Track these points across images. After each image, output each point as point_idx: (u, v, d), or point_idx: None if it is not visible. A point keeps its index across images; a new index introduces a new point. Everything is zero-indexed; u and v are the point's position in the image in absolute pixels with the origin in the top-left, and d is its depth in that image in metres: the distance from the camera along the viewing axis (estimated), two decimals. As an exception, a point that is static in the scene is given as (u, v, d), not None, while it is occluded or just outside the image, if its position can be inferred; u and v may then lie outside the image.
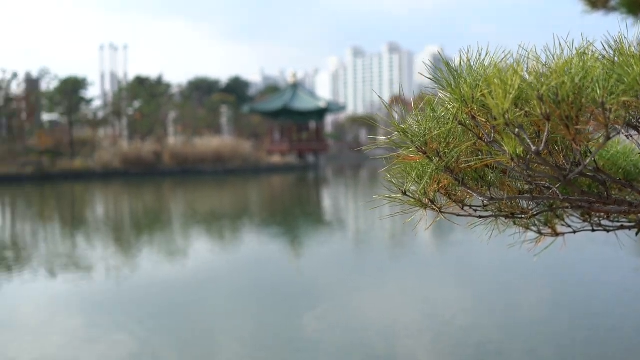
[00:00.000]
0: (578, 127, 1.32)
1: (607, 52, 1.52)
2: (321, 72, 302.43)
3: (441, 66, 1.55)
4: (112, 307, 8.64)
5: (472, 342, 6.75)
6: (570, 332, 7.09)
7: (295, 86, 68.16)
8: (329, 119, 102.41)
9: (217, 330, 7.58)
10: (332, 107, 68.42)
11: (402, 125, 1.60)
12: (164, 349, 6.88)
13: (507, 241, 2.16)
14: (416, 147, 1.55)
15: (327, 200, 28.49)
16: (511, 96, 1.31)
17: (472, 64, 1.54)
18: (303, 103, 64.50)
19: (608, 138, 1.33)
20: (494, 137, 1.44)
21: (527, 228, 2.19)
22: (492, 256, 11.54)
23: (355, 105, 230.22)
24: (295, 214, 21.97)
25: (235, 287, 9.91)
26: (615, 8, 5.45)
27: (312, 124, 67.18)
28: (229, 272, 11.31)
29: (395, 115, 1.63)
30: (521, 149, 1.39)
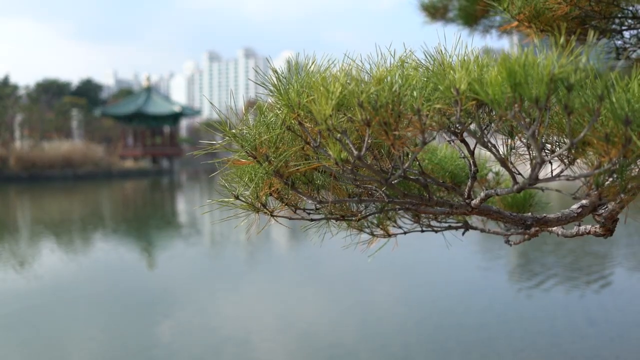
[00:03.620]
0: (396, 132, 1.38)
1: (429, 61, 1.61)
2: (176, 76, 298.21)
3: (281, 73, 1.58)
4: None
5: (325, 342, 6.87)
6: (418, 329, 7.36)
7: (149, 90, 66.86)
8: (184, 124, 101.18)
9: (66, 341, 7.32)
10: (186, 112, 67.62)
11: (233, 130, 1.61)
12: (5, 363, 6.57)
13: (342, 243, 2.22)
14: (246, 152, 1.58)
15: (181, 206, 28.14)
16: (333, 102, 1.36)
17: (301, 71, 1.58)
18: (157, 107, 63.37)
19: (424, 143, 1.39)
20: (320, 142, 1.48)
21: (361, 230, 2.27)
22: (334, 258, 11.77)
23: (210, 110, 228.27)
24: (147, 220, 21.56)
25: (85, 296, 9.60)
26: (453, 19, 5.70)
27: (167, 129, 66.13)
28: (79, 281, 10.94)
29: (228, 121, 1.64)
30: (345, 154, 1.44)
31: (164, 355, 6.72)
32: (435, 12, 5.60)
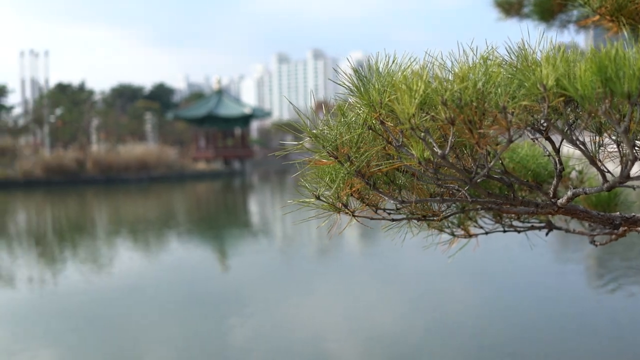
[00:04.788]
0: (481, 131, 1.36)
1: (511, 58, 1.57)
2: (246, 79, 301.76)
3: (361, 72, 1.57)
4: (37, 320, 8.42)
5: (399, 344, 6.84)
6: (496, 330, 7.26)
7: (220, 92, 67.72)
8: (255, 125, 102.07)
9: (143, 341, 7.47)
10: (257, 113, 68.22)
11: (314, 131, 1.61)
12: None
13: (419, 244, 2.20)
14: (327, 152, 1.57)
15: (253, 207, 28.40)
16: (416, 101, 1.34)
17: (381, 70, 1.56)
18: (228, 109, 64.11)
19: (510, 141, 1.36)
20: (402, 141, 1.47)
21: (441, 230, 2.24)
22: (409, 259, 11.68)
23: (280, 111, 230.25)
24: (220, 221, 21.83)
25: (162, 296, 9.78)
26: (529, 15, 5.58)
27: (238, 131, 66.83)
28: (155, 281, 11.16)
29: (308, 121, 1.64)
30: (428, 153, 1.42)
31: (240, 355, 6.78)
32: (510, 8, 5.51)
